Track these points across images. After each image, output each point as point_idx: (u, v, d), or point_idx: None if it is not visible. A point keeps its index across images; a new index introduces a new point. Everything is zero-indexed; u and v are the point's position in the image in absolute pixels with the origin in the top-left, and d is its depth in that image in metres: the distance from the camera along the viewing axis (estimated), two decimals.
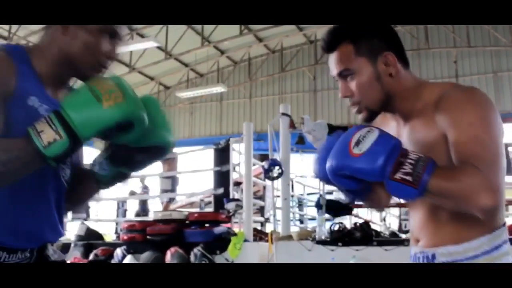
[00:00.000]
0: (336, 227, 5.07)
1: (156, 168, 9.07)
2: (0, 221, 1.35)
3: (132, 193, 11.05)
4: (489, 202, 1.23)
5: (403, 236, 6.85)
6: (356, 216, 7.68)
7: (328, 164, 1.37)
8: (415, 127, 1.51)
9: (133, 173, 1.59)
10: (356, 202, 6.45)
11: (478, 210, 1.26)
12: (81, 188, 1.59)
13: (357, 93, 1.52)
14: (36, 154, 1.22)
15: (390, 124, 1.63)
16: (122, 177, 1.56)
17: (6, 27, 12.82)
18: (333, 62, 1.56)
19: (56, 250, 1.52)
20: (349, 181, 1.36)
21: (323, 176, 1.46)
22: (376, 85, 1.51)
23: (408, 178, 1.26)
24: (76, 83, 1.50)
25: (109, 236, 7.31)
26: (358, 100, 1.53)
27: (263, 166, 5.78)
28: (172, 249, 5.09)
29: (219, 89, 16.11)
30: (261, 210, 7.80)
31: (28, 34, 12.94)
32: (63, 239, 5.39)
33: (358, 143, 1.32)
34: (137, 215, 10.42)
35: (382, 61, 1.51)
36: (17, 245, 1.38)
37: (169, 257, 5.04)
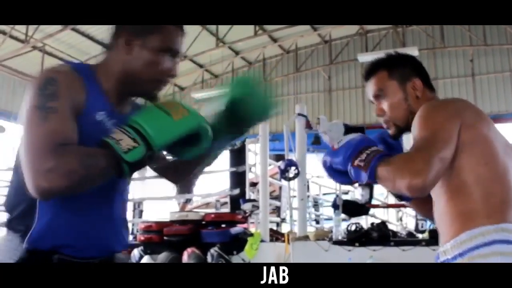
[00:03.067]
0: (353, 227, 5.05)
1: None
2: (69, 233, 1.41)
3: None
4: (414, 182, 1.42)
5: (420, 236, 6.80)
6: (373, 216, 7.65)
7: (322, 162, 1.68)
8: None
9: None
10: (372, 202, 6.42)
11: (405, 189, 1.45)
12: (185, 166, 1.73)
13: (387, 112, 1.80)
14: (115, 160, 1.30)
15: None
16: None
17: (23, 30, 12.93)
18: (370, 86, 1.86)
19: (123, 258, 1.57)
20: (340, 176, 1.66)
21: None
22: (404, 105, 1.78)
23: (361, 164, 1.54)
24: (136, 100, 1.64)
25: None
26: (388, 118, 1.81)
27: (279, 167, 5.77)
28: (189, 250, 5.11)
29: None
30: (277, 210, 7.79)
31: (44, 37, 13.06)
32: None
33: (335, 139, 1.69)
34: None
35: (410, 85, 1.78)
36: (85, 255, 1.44)
37: (186, 258, 5.05)
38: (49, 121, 1.30)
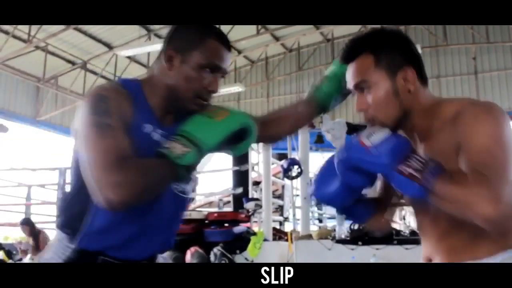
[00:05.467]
0: (356, 226, 5.05)
1: None
2: (119, 238, 1.47)
3: None
4: (493, 212, 1.19)
5: None
6: None
7: (337, 158, 1.42)
8: (432, 145, 1.44)
9: None
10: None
11: (481, 219, 1.22)
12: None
13: (372, 108, 1.46)
14: (172, 167, 1.39)
15: None
16: None
17: (26, 29, 12.94)
18: (351, 73, 1.50)
19: (165, 257, 1.62)
20: (356, 176, 1.39)
21: (320, 196, 1.55)
22: (393, 101, 1.44)
23: (416, 174, 1.26)
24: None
25: None
26: (372, 115, 1.47)
27: (282, 165, 5.77)
28: (192, 249, 5.11)
29: (236, 88, 16.12)
30: (280, 209, 7.80)
31: (47, 37, 13.06)
32: None
33: (369, 136, 1.33)
34: None
35: (402, 76, 1.44)
36: (127, 258, 1.49)
37: (189, 257, 5.06)
38: (107, 137, 1.35)
